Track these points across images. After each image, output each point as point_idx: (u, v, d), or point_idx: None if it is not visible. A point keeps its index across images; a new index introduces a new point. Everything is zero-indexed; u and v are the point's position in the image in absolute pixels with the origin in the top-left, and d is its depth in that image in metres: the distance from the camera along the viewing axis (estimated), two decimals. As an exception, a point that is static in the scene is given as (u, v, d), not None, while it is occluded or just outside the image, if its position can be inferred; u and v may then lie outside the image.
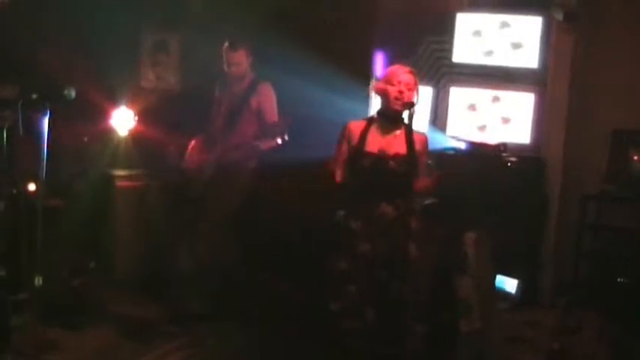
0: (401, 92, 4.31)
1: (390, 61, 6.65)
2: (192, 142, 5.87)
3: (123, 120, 6.29)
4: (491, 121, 6.50)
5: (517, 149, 6.27)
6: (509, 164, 6.11)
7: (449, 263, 4.96)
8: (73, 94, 4.49)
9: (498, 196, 5.86)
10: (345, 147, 4.43)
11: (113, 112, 6.28)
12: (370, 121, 4.44)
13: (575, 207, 6.11)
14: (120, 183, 6.43)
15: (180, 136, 6.03)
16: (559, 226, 6.27)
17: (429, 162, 4.61)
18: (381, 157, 4.32)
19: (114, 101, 6.37)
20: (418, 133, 4.45)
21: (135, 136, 6.39)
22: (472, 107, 6.57)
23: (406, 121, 4.44)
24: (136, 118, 6.31)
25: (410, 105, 4.34)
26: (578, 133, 6.26)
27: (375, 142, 4.36)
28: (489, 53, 6.52)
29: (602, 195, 6.07)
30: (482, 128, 6.51)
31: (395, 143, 4.35)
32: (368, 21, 6.77)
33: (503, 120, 6.47)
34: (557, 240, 6.25)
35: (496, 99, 6.48)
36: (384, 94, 4.39)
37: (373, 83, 4.40)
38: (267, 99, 5.71)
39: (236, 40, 5.69)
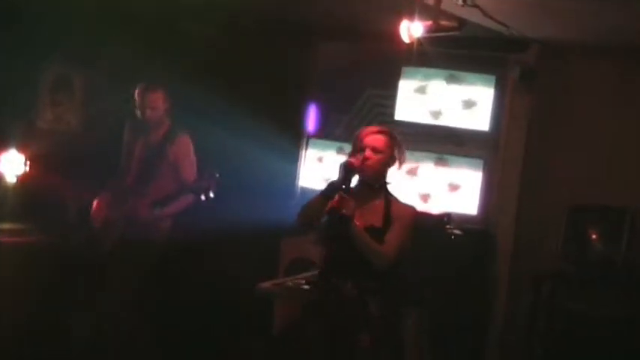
0: (366, 158, 4.26)
1: (325, 115, 7.03)
2: (99, 196, 5.78)
3: (11, 165, 6.17)
4: (434, 189, 6.63)
5: (463, 220, 6.38)
6: (453, 237, 6.19)
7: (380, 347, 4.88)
8: None
9: (441, 272, 5.94)
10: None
11: (1, 156, 6.15)
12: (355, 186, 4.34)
13: (527, 288, 6.21)
14: (2, 238, 6.14)
15: (83, 186, 5.96)
16: (507, 308, 6.38)
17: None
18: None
19: (1, 142, 6.24)
20: (401, 204, 4.37)
21: (25, 185, 6.24)
22: (414, 172, 6.69)
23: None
24: (28, 163, 6.20)
25: (376, 172, 4.28)
26: (532, 205, 6.40)
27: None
28: (436, 112, 6.70)
29: (557, 276, 6.15)
30: (424, 196, 6.63)
31: (370, 214, 4.27)
32: (302, 71, 7.00)
33: (448, 187, 6.60)
34: (506, 323, 6.35)
35: (441, 164, 6.65)
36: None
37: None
38: (186, 153, 5.71)
39: (152, 82, 5.70)
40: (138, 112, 5.68)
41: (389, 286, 4.30)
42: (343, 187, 4.14)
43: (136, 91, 5.69)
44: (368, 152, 4.25)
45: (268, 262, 6.61)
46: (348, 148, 6.41)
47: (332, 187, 4.19)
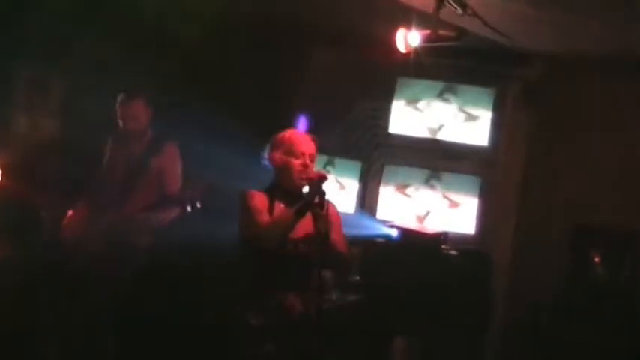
0: (305, 166, 4.19)
1: (316, 126, 6.74)
2: (74, 209, 5.73)
3: None
4: (429, 206, 6.56)
5: (459, 240, 6.34)
6: (448, 258, 6.14)
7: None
8: None
9: (434, 296, 5.88)
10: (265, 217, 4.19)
11: None
12: (272, 194, 4.26)
13: (525, 313, 6.15)
14: None
15: (58, 198, 5.91)
16: (504, 335, 6.29)
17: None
18: (289, 240, 4.13)
19: None
20: (334, 209, 4.31)
21: None
22: (408, 188, 6.63)
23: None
24: (0, 172, 6.18)
25: (316, 181, 4.12)
26: (532, 225, 6.35)
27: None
28: (433, 126, 6.64)
29: (557, 301, 6.09)
30: (419, 214, 6.56)
31: (302, 222, 4.11)
32: (292, 79, 6.92)
33: (444, 206, 6.54)
34: (503, 352, 6.27)
35: (437, 180, 6.58)
36: (283, 168, 4.25)
37: (267, 152, 4.28)
38: (171, 162, 5.67)
39: (132, 89, 5.67)
40: (120, 123, 5.65)
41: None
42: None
43: (117, 102, 5.67)
44: (306, 160, 4.19)
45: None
46: (339, 162, 6.76)
47: (307, 204, 4.06)
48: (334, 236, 4.16)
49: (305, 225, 4.13)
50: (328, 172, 6.28)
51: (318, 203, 4.01)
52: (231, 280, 6.00)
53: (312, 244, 4.11)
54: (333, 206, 4.29)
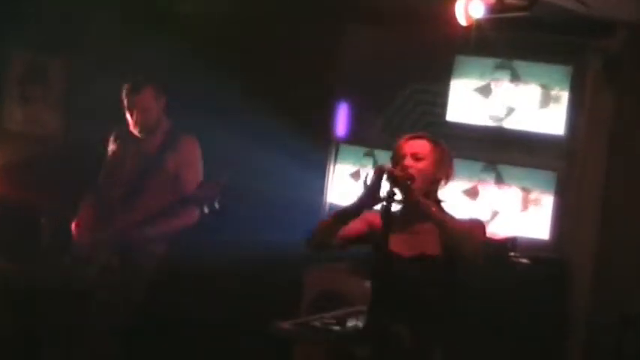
0: (405, 167, 4.15)
1: (358, 115, 6.93)
2: (80, 215, 5.68)
3: None
4: (496, 207, 6.43)
5: (531, 247, 6.20)
6: (518, 267, 6.02)
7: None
8: None
9: (501, 311, 5.80)
10: (359, 225, 4.26)
11: None
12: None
13: (608, 331, 5.90)
14: None
15: (59, 203, 6.00)
16: (585, 356, 6.12)
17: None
18: (397, 259, 4.14)
19: None
20: (464, 221, 4.25)
21: None
22: (469, 186, 6.49)
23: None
24: None
25: (419, 185, 4.11)
26: (618, 228, 6.13)
27: (399, 238, 4.14)
28: (498, 113, 6.47)
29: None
30: (484, 216, 6.30)
31: (420, 240, 4.18)
32: (330, 61, 6.86)
33: (512, 206, 6.40)
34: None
35: (504, 176, 6.44)
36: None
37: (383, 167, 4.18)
38: (190, 158, 5.67)
39: (140, 77, 5.67)
40: (128, 116, 5.65)
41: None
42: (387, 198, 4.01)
43: (123, 92, 5.67)
44: (408, 160, 4.19)
45: (288, 296, 6.45)
46: (382, 155, 6.61)
47: (345, 211, 4.19)
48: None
49: (422, 242, 4.18)
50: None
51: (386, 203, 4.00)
52: (263, 293, 6.39)
53: (425, 266, 4.15)
54: (470, 222, 4.28)
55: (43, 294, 5.81)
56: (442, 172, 4.24)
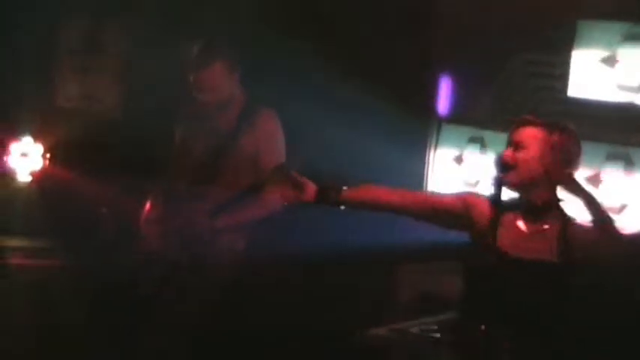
0: (507, 156, 4.20)
1: (462, 90, 6.82)
2: (147, 203, 5.68)
3: (24, 158, 6.48)
4: (628, 198, 6.19)
5: None
6: None
7: None
8: None
9: (631, 332, 5.65)
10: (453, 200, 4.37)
11: (10, 145, 6.47)
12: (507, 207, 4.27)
13: None
14: (10, 259, 6.36)
15: (122, 190, 6.04)
16: None
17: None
18: (515, 261, 4.12)
19: (11, 129, 6.51)
20: (583, 227, 4.19)
21: (43, 185, 6.55)
22: (595, 172, 6.24)
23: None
24: (47, 156, 6.52)
25: (521, 179, 4.16)
26: None
27: (509, 237, 4.15)
28: (630, 88, 6.26)
29: None
30: (613, 207, 6.11)
31: (534, 243, 4.15)
32: (425, 27, 6.78)
33: None
34: None
35: (636, 161, 6.21)
36: None
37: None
38: (270, 135, 5.62)
39: (210, 47, 5.59)
40: (196, 93, 5.63)
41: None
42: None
43: (190, 65, 5.64)
44: (509, 149, 4.23)
45: (381, 298, 6.46)
46: (490, 137, 6.63)
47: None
48: None
49: (538, 246, 4.15)
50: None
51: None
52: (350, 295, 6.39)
53: (541, 273, 4.12)
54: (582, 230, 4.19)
55: (103, 295, 5.93)
56: (552, 162, 4.15)
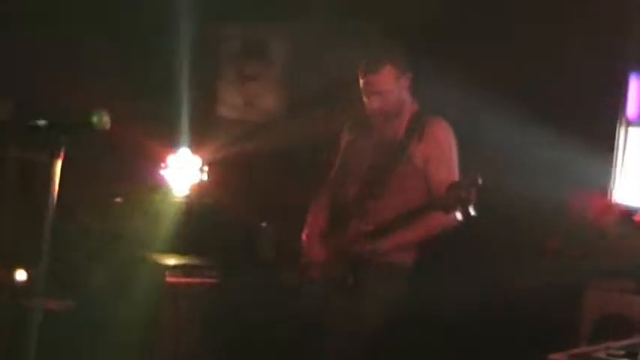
0: None
1: None
2: (310, 219, 5.73)
3: (183, 172, 6.56)
4: None
5: None
6: None
7: None
8: (105, 121, 4.15)
9: None
10: None
11: (167, 157, 6.57)
12: None
13: None
14: (171, 278, 6.43)
15: (283, 205, 6.19)
16: None
17: None
18: None
19: (169, 140, 6.65)
20: None
21: (203, 199, 6.60)
22: None
23: None
24: (206, 168, 6.56)
25: None
26: None
27: None
28: None
29: None
30: None
31: None
32: (615, 22, 6.55)
33: None
34: None
35: None
36: None
37: None
38: (441, 147, 5.51)
39: (379, 51, 5.57)
40: (364, 100, 5.58)
41: None
42: None
43: (358, 72, 5.59)
44: None
45: (562, 320, 6.24)
46: None
47: None
48: None
49: None
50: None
51: None
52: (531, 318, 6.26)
53: None
54: None
55: (263, 314, 5.98)
56: None
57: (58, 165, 3.94)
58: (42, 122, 3.99)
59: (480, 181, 4.98)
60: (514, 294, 6.13)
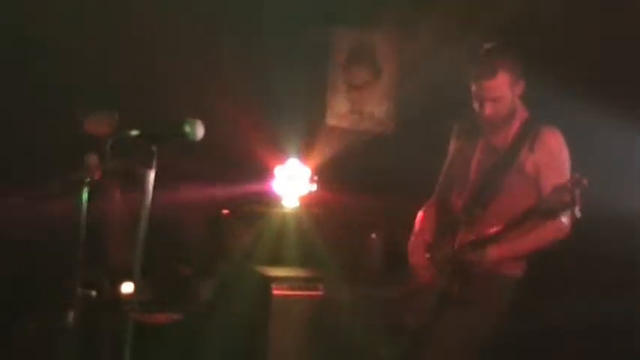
0: None
1: None
2: (418, 227, 5.67)
3: (291, 182, 6.59)
4: None
5: None
6: None
7: None
8: (199, 131, 4.16)
9: None
10: None
11: (275, 168, 6.61)
12: None
13: None
14: (279, 290, 6.45)
15: (391, 213, 6.18)
16: None
17: None
18: None
19: (276, 150, 6.67)
20: None
21: (312, 210, 6.61)
22: None
23: None
24: (316, 179, 6.58)
25: None
26: None
27: None
28: None
29: None
30: None
31: None
32: None
33: None
34: None
35: None
36: None
37: None
38: (553, 156, 5.41)
39: (494, 56, 5.47)
40: (475, 106, 5.48)
41: None
42: None
43: (470, 76, 5.51)
44: None
45: None
46: None
47: None
48: None
49: None
50: None
51: None
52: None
53: None
54: None
55: (369, 327, 5.95)
56: None
57: (151, 175, 3.92)
58: (134, 132, 4.02)
59: (585, 182, 4.85)
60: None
